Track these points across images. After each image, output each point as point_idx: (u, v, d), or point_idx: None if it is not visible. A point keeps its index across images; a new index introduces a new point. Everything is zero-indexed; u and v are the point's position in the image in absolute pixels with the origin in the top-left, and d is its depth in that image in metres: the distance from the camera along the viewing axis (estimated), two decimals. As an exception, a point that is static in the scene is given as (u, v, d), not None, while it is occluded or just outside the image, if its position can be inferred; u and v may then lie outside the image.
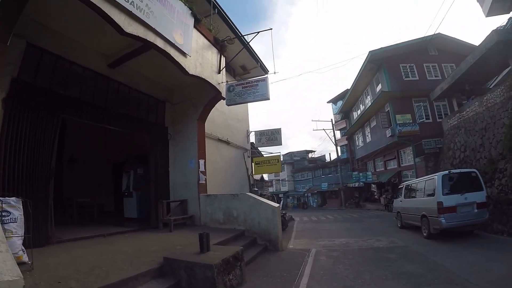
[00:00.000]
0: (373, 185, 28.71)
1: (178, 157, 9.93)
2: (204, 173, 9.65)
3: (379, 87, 21.82)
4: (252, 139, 18.24)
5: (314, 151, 56.11)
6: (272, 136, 18.37)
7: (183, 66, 7.55)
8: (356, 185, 29.93)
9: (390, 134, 19.83)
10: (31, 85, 5.84)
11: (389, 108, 20.57)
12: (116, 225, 8.58)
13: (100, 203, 10.45)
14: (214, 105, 10.25)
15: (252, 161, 17.55)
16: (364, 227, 12.22)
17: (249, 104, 15.11)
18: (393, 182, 22.20)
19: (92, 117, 7.31)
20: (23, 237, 4.33)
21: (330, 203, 37.94)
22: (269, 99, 9.27)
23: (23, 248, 4.27)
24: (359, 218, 17.29)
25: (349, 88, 28.44)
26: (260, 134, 18.46)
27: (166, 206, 8.66)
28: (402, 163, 21.74)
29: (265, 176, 32.79)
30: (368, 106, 23.71)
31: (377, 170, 26.89)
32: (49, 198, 5.60)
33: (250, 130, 17.91)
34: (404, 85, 20.01)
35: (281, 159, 20.31)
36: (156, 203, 8.64)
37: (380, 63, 21.03)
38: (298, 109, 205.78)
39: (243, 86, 9.64)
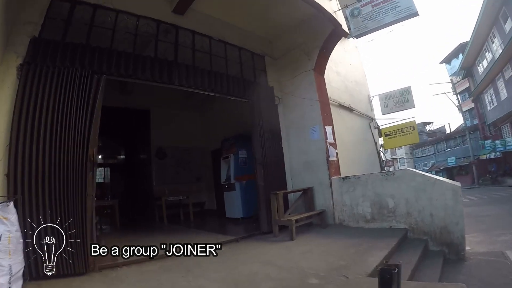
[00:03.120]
0: (516, 154, 22.57)
1: (293, 127, 6.97)
2: (334, 145, 6.42)
3: (509, 23, 17.37)
4: (375, 106, 14.02)
5: (432, 122, 47.85)
6: (402, 98, 13.72)
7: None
8: (492, 156, 24.02)
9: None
10: (58, 43, 3.88)
11: (530, 47, 15.79)
12: (213, 230, 6.21)
13: (199, 201, 8.50)
14: (334, 47, 6.89)
15: (379, 134, 13.47)
16: (536, 212, 8.67)
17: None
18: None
19: (155, 76, 4.89)
20: (10, 268, 2.42)
21: (458, 180, 30.59)
22: (418, 14, 5.93)
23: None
24: (512, 198, 13.32)
25: (463, 42, 24.84)
26: (386, 97, 13.90)
27: (282, 199, 5.64)
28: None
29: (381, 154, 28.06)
30: (499, 52, 18.62)
31: (516, 135, 21.43)
32: (86, 202, 3.32)
33: (371, 95, 13.74)
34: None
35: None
36: (266, 196, 5.73)
37: (506, -7, 16.25)
38: (400, 73, 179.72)
39: (373, 4, 6.17)
